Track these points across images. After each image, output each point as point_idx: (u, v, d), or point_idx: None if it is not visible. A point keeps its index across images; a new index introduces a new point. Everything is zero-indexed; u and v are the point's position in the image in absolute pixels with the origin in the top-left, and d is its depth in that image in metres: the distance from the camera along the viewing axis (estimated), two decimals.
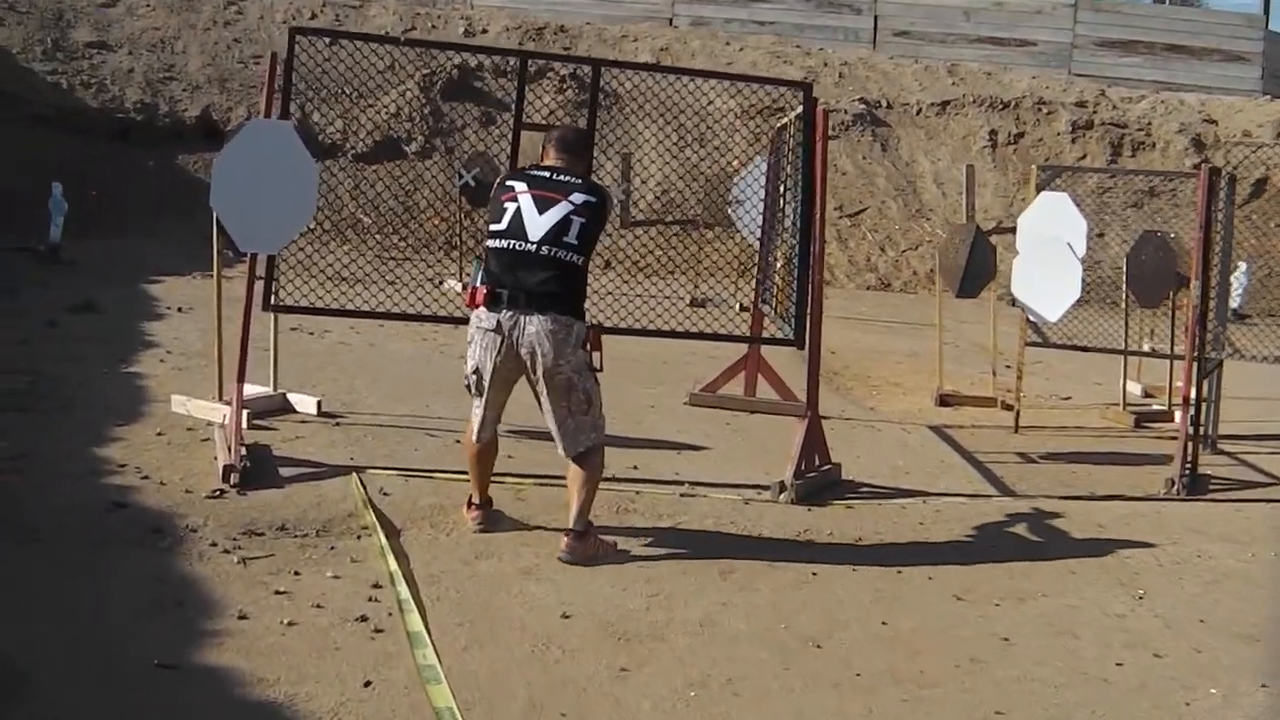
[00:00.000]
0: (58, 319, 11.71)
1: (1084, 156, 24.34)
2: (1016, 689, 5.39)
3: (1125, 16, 28.79)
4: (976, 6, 27.57)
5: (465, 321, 7.70)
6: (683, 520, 7.34)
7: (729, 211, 12.01)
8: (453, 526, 6.86)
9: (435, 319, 8.24)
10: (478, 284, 6.66)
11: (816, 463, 8.24)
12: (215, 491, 7.03)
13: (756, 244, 10.96)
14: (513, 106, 8.22)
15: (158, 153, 19.30)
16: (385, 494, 7.27)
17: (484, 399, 6.72)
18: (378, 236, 17.78)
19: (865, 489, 8.46)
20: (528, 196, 6.64)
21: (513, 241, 6.56)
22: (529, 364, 6.54)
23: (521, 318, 6.48)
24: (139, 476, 7.25)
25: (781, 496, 7.83)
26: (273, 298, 7.97)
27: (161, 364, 10.27)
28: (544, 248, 6.52)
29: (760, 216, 10.64)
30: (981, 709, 5.19)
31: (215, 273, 8.67)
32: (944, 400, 11.87)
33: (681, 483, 8.04)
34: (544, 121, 7.97)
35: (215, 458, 7.54)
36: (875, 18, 27.36)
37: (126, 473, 7.31)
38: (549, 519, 7.06)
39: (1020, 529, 7.78)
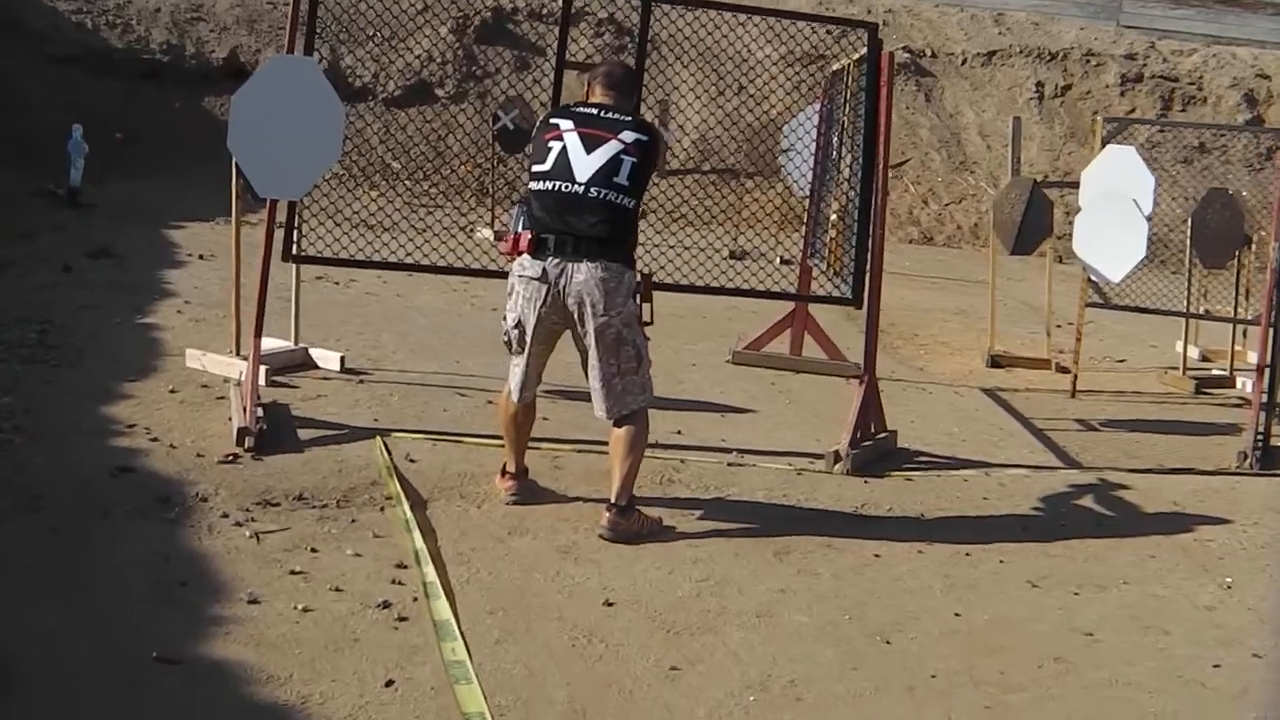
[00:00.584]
0: (73, 264, 11.21)
1: (1133, 110, 23.62)
2: (1108, 694, 4.85)
3: None
4: None
5: (497, 274, 7.22)
6: (732, 492, 6.82)
7: (778, 160, 11.42)
8: (484, 497, 6.34)
9: (466, 271, 7.68)
10: (519, 229, 6.17)
11: (872, 430, 7.71)
12: (229, 456, 6.53)
13: (806, 195, 10.38)
14: (548, 50, 7.67)
15: (183, 95, 18.73)
16: (412, 460, 6.76)
17: (525, 355, 6.22)
18: (407, 182, 17.24)
19: (922, 458, 7.94)
20: (574, 135, 6.15)
21: (558, 183, 6.06)
22: (576, 315, 6.05)
23: (569, 265, 6.00)
24: (148, 438, 6.76)
25: (836, 467, 7.30)
26: (294, 248, 7.44)
27: (179, 314, 9.77)
28: (593, 189, 6.03)
29: (811, 166, 10.07)
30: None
31: (233, 219, 8.18)
32: (995, 361, 11.37)
33: (729, 450, 7.52)
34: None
35: (230, 418, 7.04)
36: None
37: (135, 434, 6.82)
38: (589, 489, 6.56)
39: (1090, 505, 7.24)
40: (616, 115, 6.25)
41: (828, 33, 19.54)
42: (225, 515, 5.80)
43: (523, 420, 6.42)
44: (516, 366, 6.28)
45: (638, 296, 6.15)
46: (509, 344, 6.28)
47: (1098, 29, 25.59)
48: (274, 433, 6.85)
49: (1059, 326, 11.85)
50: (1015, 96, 23.61)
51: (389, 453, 6.78)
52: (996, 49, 24.22)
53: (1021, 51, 24.30)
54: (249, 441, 6.63)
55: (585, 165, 6.06)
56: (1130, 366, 11.97)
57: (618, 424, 6.18)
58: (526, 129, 15.74)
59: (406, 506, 6.00)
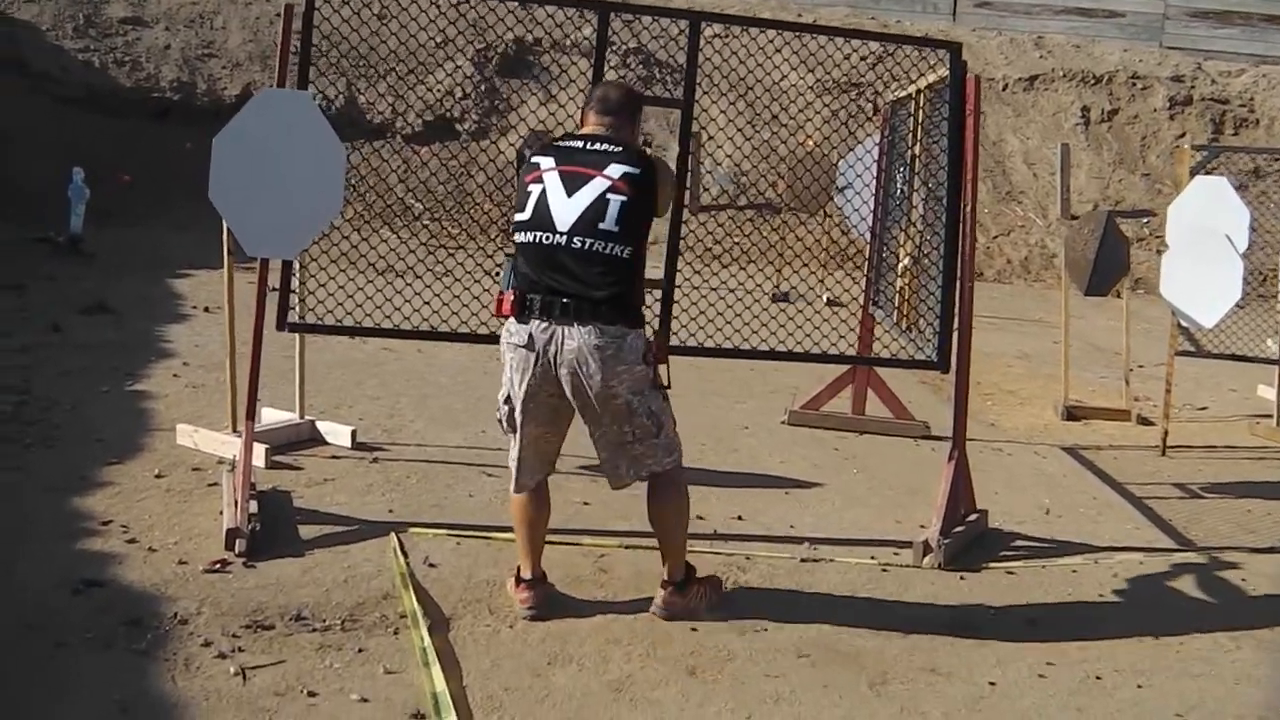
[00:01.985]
0: (65, 321, 10.28)
1: (1183, 134, 22.65)
2: None
3: None
4: None
5: None
6: (809, 597, 5.80)
7: (834, 199, 10.44)
8: (516, 612, 5.33)
9: (492, 339, 6.68)
10: (506, 288, 5.27)
11: (962, 512, 6.69)
12: (216, 564, 5.53)
13: (866, 236, 9.39)
14: (574, 83, 6.69)
15: (195, 134, 17.77)
16: (432, 565, 5.75)
17: (519, 436, 5.30)
18: (428, 223, 16.31)
19: (1018, 541, 6.91)
20: (554, 175, 5.20)
21: (538, 233, 5.15)
22: (570, 388, 5.13)
23: (558, 330, 5.08)
24: (124, 539, 5.78)
25: (926, 560, 6.29)
26: (291, 314, 6.44)
27: (175, 379, 8.81)
28: (576, 239, 5.10)
29: (872, 207, 9.06)
30: None
31: (225, 276, 7.19)
32: (1071, 413, 10.33)
33: (801, 540, 6.51)
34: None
35: (221, 512, 6.06)
36: None
37: (110, 533, 5.84)
38: (642, 595, 5.55)
39: (1224, 601, 6.20)
40: (605, 147, 5.28)
41: (862, 59, 18.69)
42: (207, 643, 4.80)
43: (533, 515, 5.47)
44: (513, 449, 5.38)
45: (648, 359, 5.22)
46: (500, 423, 5.40)
47: (1141, 50, 24.66)
48: (270, 532, 5.87)
49: (1130, 370, 10.93)
50: (1060, 122, 22.66)
51: (405, 556, 5.77)
52: (1038, 73, 23.28)
53: (1065, 75, 23.36)
54: (240, 545, 5.64)
55: (566, 210, 5.13)
56: (1214, 415, 10.97)
57: (651, 493, 5.39)
58: None
59: (425, 630, 4.97)
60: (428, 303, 6.62)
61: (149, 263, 13.57)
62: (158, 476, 6.68)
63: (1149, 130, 22.75)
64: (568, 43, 20.12)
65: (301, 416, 7.62)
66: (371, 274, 6.92)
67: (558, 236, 5.10)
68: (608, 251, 5.09)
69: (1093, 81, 23.25)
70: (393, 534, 6.03)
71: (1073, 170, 21.37)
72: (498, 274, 9.20)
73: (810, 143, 13.78)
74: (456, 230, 14.93)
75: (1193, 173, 9.72)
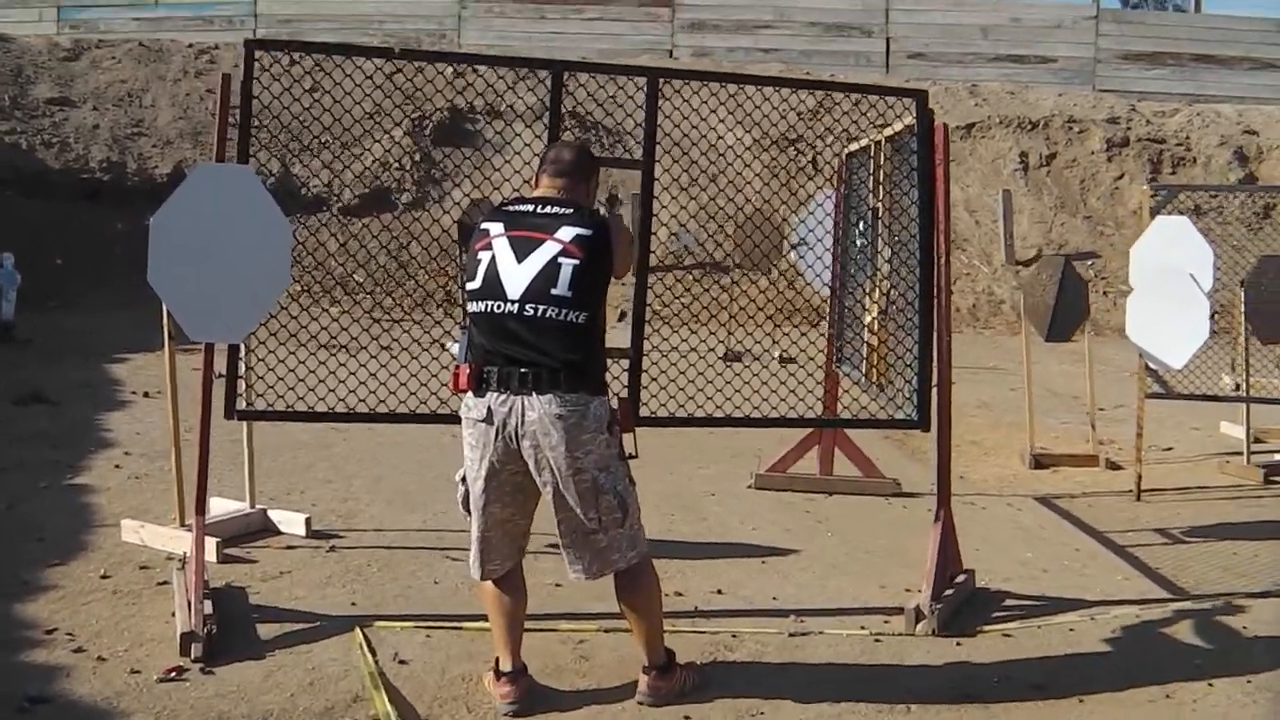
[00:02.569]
0: None
1: (1121, 176, 22.74)
2: None
3: (1149, 27, 27.56)
4: (993, 23, 26.10)
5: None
6: (802, 673, 5.48)
7: (788, 256, 10.21)
8: (496, 709, 4.99)
9: (442, 419, 6.35)
10: (462, 361, 4.98)
11: (950, 573, 6.42)
12: (171, 672, 5.15)
13: (826, 292, 9.14)
14: (512, 149, 6.44)
15: (126, 214, 17.48)
16: (402, 661, 5.39)
17: (481, 517, 4.99)
18: (370, 295, 15.99)
19: (1009, 600, 6.64)
20: (503, 240, 4.95)
21: (489, 303, 4.90)
22: (532, 464, 4.85)
23: (517, 401, 4.83)
24: (71, 648, 5.40)
25: (920, 627, 6.00)
26: (239, 401, 6.10)
27: (117, 470, 8.44)
28: (528, 306, 4.84)
29: (829, 262, 8.81)
30: None
31: (166, 361, 6.84)
32: (1038, 461, 10.10)
33: (786, 613, 6.21)
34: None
35: (173, 614, 5.69)
36: (887, 40, 25.85)
37: (55, 642, 5.47)
38: (625, 679, 5.24)
39: (1229, 651, 5.93)
40: (555, 210, 5.02)
41: (799, 117, 18.54)
42: None
43: (509, 604, 5.14)
44: (474, 534, 5.06)
45: (613, 429, 4.96)
46: (459, 504, 5.10)
47: (1075, 94, 24.82)
48: (227, 633, 5.51)
49: (1086, 414, 10.75)
50: (999, 169, 22.69)
51: (373, 654, 5.41)
52: (974, 120, 23.34)
53: (1001, 122, 23.44)
54: (196, 650, 5.27)
55: (516, 278, 4.88)
56: (1181, 455, 10.80)
57: (619, 584, 5.11)
58: None
59: None
60: (381, 383, 6.27)
61: (86, 348, 13.25)
62: (104, 577, 6.32)
63: (1087, 173, 22.79)
64: (504, 106, 19.94)
65: (252, 505, 7.27)
66: (318, 352, 6.58)
67: (509, 305, 4.85)
68: (561, 318, 4.85)
69: (1029, 127, 23.32)
70: (358, 629, 5.67)
71: (1015, 216, 21.38)
72: (443, 347, 8.95)
73: (755, 199, 13.58)
74: (397, 302, 14.65)
75: (1152, 213, 9.51)
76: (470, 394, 4.90)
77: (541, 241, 4.91)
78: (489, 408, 4.85)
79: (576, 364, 4.88)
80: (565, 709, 5.01)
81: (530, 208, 5.05)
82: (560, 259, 4.88)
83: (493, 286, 4.89)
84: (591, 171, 5.33)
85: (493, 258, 4.93)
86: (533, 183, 5.32)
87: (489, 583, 5.10)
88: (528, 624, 5.66)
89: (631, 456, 5.07)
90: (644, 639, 5.13)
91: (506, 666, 5.08)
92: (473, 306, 4.95)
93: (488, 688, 5.10)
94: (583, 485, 4.87)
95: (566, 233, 4.93)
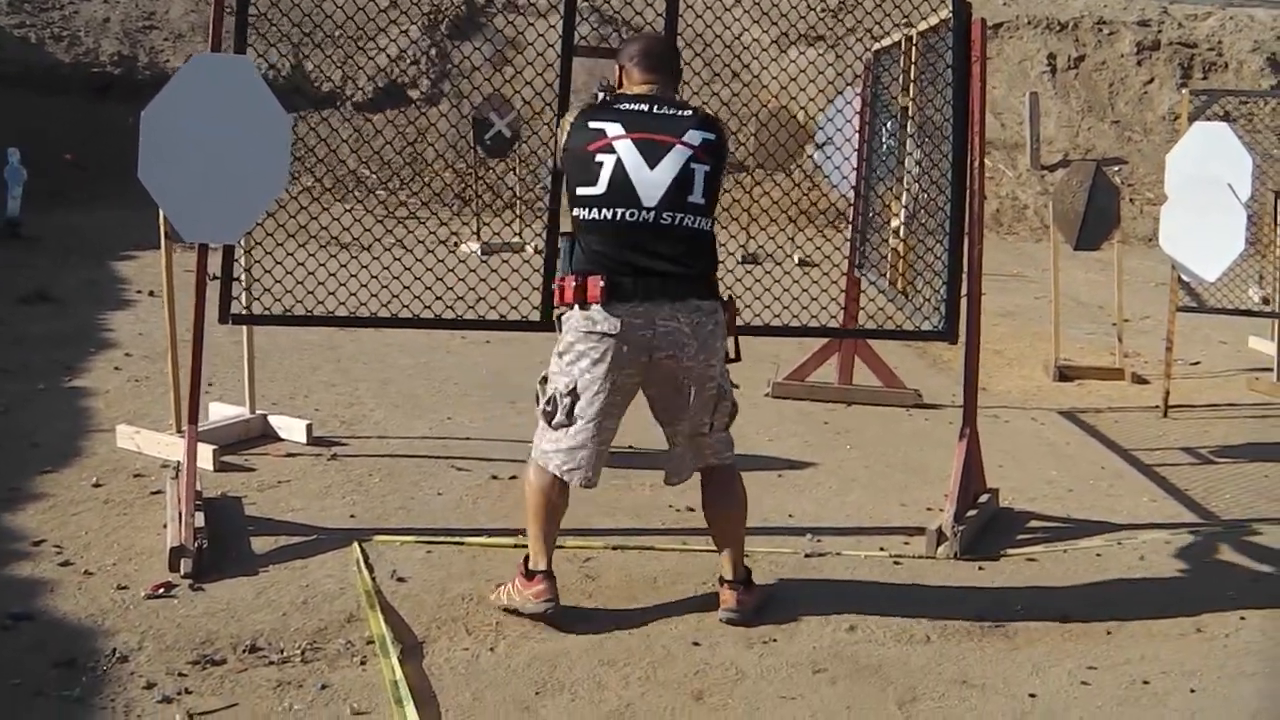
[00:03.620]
0: (1, 313, 9.66)
1: (1151, 80, 22.24)
2: None
3: None
4: None
5: (491, 325, 5.84)
6: (818, 595, 5.25)
7: (812, 156, 9.89)
8: (498, 630, 4.77)
9: (455, 324, 6.13)
10: (569, 271, 4.77)
11: (974, 493, 6.18)
12: (159, 588, 4.94)
13: (850, 195, 8.83)
14: (530, 45, 6.16)
15: (137, 110, 17.07)
16: (400, 579, 5.16)
17: (597, 430, 4.75)
18: (381, 193, 15.69)
19: (1034, 521, 6.41)
20: (627, 143, 4.69)
21: (619, 210, 4.66)
22: (666, 370, 4.75)
23: (656, 310, 4.65)
24: (58, 561, 5.19)
25: (941, 549, 5.76)
26: (234, 303, 5.84)
27: (117, 372, 8.23)
28: (665, 214, 4.64)
29: (855, 163, 8.49)
30: None
31: (164, 262, 6.60)
32: (1063, 374, 9.83)
33: (802, 531, 5.98)
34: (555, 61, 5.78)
35: (165, 526, 5.47)
36: None
37: (42, 555, 5.26)
38: (632, 604, 5.03)
39: (1263, 583, 5.69)
40: (674, 110, 4.81)
41: (826, 10, 18.09)
42: (150, 685, 4.22)
43: (562, 505, 4.94)
44: (569, 442, 4.79)
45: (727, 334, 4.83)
46: (549, 414, 4.81)
47: None
48: (220, 547, 5.29)
49: (1112, 324, 10.62)
50: (1026, 70, 22.21)
51: (370, 570, 5.19)
52: (1003, 20, 22.77)
53: (1029, 22, 22.90)
54: (186, 565, 5.05)
55: (651, 184, 4.65)
56: (1207, 370, 10.52)
57: (713, 488, 5.01)
58: (519, 133, 14.24)
59: (395, 660, 4.38)
60: (384, 286, 5.99)
61: (93, 246, 13.01)
62: (96, 485, 6.11)
63: (1116, 76, 22.31)
64: (520, 2, 19.51)
65: (252, 411, 7.05)
66: (326, 250, 6.31)
67: (645, 213, 4.66)
68: (696, 226, 4.72)
69: (1058, 28, 22.79)
70: (355, 544, 5.45)
71: (1041, 119, 20.96)
72: (455, 245, 8.65)
73: (779, 97, 13.20)
74: (412, 200, 14.37)
75: (1190, 119, 9.17)
76: (598, 306, 4.66)
77: (670, 145, 4.72)
78: (622, 319, 4.64)
79: (706, 269, 4.78)
80: (570, 631, 4.77)
81: (644, 107, 4.82)
82: (693, 165, 4.71)
83: (623, 192, 4.67)
84: (679, 67, 5.15)
85: (618, 161, 4.70)
86: (618, 77, 5.06)
87: (549, 484, 4.85)
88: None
89: (734, 360, 4.93)
90: (733, 551, 4.99)
91: (543, 565, 4.85)
92: (592, 213, 4.71)
93: (514, 590, 4.88)
94: (709, 391, 4.79)
95: (694, 136, 4.75)
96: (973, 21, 6.00)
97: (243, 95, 5.34)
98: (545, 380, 4.88)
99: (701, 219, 4.71)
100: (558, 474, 4.82)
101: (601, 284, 4.63)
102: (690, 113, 4.82)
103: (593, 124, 4.77)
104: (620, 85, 5.00)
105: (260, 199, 5.45)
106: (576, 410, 4.74)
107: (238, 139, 5.30)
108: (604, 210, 4.66)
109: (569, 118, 4.93)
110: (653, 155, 4.67)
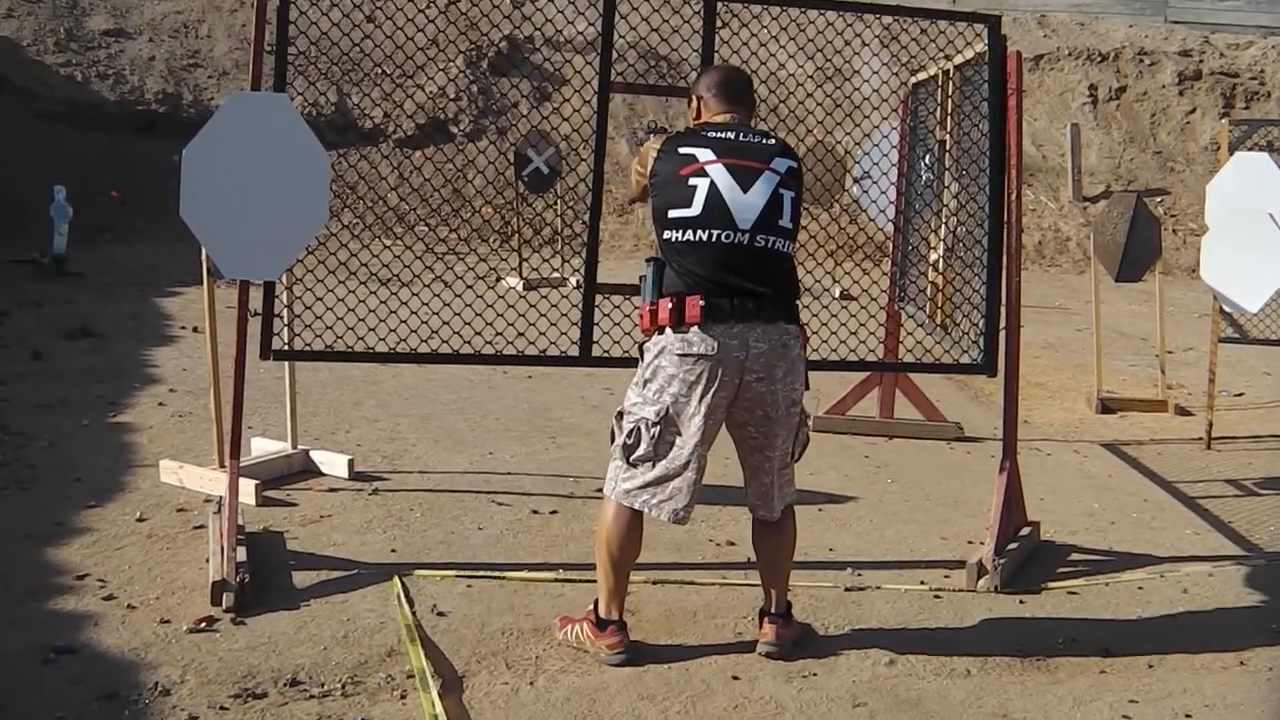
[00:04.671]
0: (46, 348, 9.75)
1: (1193, 110, 22.15)
2: None
3: None
4: None
5: (533, 360, 5.78)
6: (857, 629, 5.25)
7: (850, 190, 9.90)
8: (537, 665, 4.78)
9: (492, 359, 6.14)
10: (657, 295, 4.77)
11: (1014, 526, 6.16)
12: (202, 622, 4.97)
13: (889, 228, 8.83)
14: (571, 80, 6.15)
15: (182, 147, 17.22)
16: (440, 613, 5.17)
17: (696, 459, 4.74)
18: (422, 229, 15.77)
19: (1074, 554, 6.38)
20: (720, 168, 4.74)
21: (716, 231, 4.70)
22: (755, 395, 4.74)
23: (750, 333, 4.68)
24: (101, 595, 5.22)
25: (981, 583, 5.74)
26: (276, 339, 5.87)
27: (161, 408, 8.27)
28: (759, 238, 4.70)
29: (893, 196, 8.48)
30: None
31: (206, 298, 6.65)
32: (1105, 406, 9.78)
33: (843, 565, 5.97)
34: (591, 98, 5.84)
35: (207, 560, 5.51)
36: None
37: (86, 589, 5.29)
38: (671, 639, 5.04)
39: None
40: (759, 140, 4.87)
41: (864, 45, 18.14)
42: (192, 718, 4.25)
43: (636, 550, 4.92)
44: (658, 474, 4.77)
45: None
46: (630, 448, 4.79)
47: (1146, 26, 24.14)
48: (262, 582, 5.32)
49: (1155, 356, 10.51)
50: (1067, 102, 22.16)
51: (410, 605, 5.21)
52: (1043, 52, 22.77)
53: (1070, 54, 22.86)
54: (228, 600, 5.08)
55: (746, 207, 4.72)
56: (1251, 401, 10.44)
57: (776, 526, 5.04)
58: (558, 170, 14.29)
59: (435, 695, 4.40)
60: (422, 321, 6.02)
61: (137, 282, 13.11)
62: (139, 520, 6.14)
63: (1158, 107, 22.23)
64: (560, 39, 19.61)
65: (294, 446, 7.08)
66: (365, 288, 6.35)
67: (739, 235, 4.71)
68: (785, 250, 4.81)
69: (1099, 59, 22.75)
70: (396, 578, 5.47)
71: (1083, 150, 20.92)
72: (496, 281, 8.67)
73: (817, 131, 13.27)
74: (452, 236, 14.44)
75: (1231, 149, 9.13)
76: (695, 329, 4.68)
77: (761, 171, 4.79)
78: (720, 340, 4.66)
79: (793, 295, 4.86)
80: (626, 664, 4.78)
81: (730, 135, 4.87)
82: (781, 191, 4.79)
83: (718, 214, 4.72)
84: (754, 98, 5.18)
85: (712, 184, 4.74)
86: (694, 108, 5.11)
87: (633, 524, 4.84)
88: (570, 574, 5.50)
89: (806, 388, 4.96)
90: (781, 583, 5.02)
91: (615, 616, 4.87)
92: (687, 235, 4.74)
93: (575, 638, 4.91)
94: (794, 418, 4.86)
95: (780, 164, 4.84)
96: (1009, 54, 6.01)
97: (281, 132, 5.39)
98: (622, 415, 4.87)
99: (789, 243, 4.79)
100: (645, 510, 4.80)
101: (700, 304, 4.65)
102: (774, 141, 4.88)
103: (683, 149, 4.82)
104: (697, 116, 5.06)
105: (301, 235, 5.49)
106: (669, 439, 4.73)
107: (277, 176, 5.34)
108: (699, 232, 4.70)
109: (653, 144, 4.97)
110: (745, 180, 4.72)
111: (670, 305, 4.70)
